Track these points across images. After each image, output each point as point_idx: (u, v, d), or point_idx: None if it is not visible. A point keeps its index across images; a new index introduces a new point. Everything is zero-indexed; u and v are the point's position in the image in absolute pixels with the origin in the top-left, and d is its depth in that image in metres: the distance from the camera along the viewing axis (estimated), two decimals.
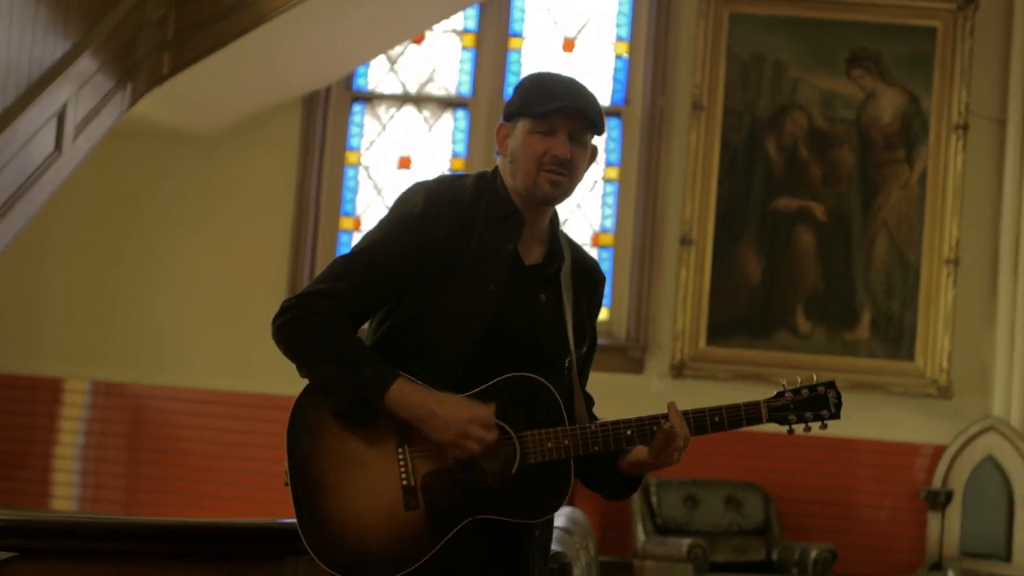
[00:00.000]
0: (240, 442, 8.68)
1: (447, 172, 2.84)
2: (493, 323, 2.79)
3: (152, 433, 8.87)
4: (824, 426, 2.95)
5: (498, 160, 2.96)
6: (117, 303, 8.92)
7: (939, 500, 8.19)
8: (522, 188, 2.85)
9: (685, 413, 2.83)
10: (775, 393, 2.94)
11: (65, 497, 8.97)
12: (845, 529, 8.38)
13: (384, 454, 2.73)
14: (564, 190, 2.85)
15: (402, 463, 2.72)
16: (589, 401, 2.98)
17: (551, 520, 2.91)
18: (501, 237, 2.83)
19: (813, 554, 7.75)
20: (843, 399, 8.81)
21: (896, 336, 8.50)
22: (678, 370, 8.46)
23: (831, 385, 2.98)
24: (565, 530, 4.75)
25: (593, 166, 8.76)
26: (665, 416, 2.81)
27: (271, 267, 8.83)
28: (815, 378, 2.99)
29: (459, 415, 2.69)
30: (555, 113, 2.82)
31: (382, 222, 2.85)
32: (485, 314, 2.78)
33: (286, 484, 2.78)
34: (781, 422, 2.92)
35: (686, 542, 7.58)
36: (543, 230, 2.93)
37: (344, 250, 8.86)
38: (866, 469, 8.50)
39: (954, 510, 8.20)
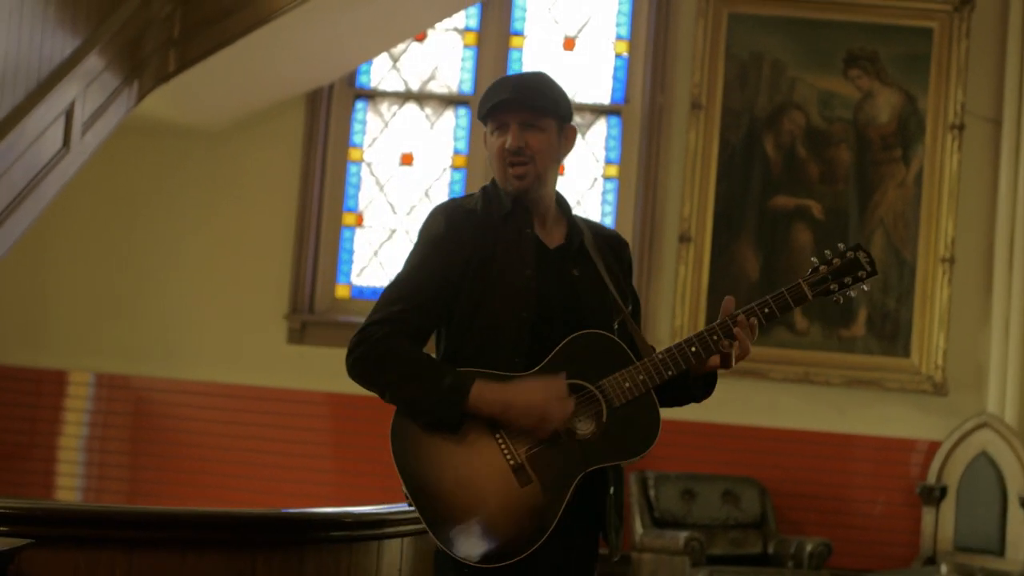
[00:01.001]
0: (242, 434, 8.76)
1: (456, 196, 3.15)
2: (539, 304, 2.98)
3: (155, 425, 8.94)
4: (866, 288, 3.11)
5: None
6: (121, 296, 8.99)
7: (933, 495, 8.26)
8: (502, 183, 3.09)
9: (735, 313, 3.02)
10: (810, 270, 3.09)
11: (69, 488, 9.04)
12: (840, 523, 8.45)
13: (484, 444, 2.91)
14: (529, 178, 3.05)
15: (503, 446, 2.91)
16: (652, 349, 3.11)
17: (622, 477, 3.08)
18: (518, 227, 3.05)
19: (809, 547, 7.84)
20: (839, 395, 8.87)
21: (892, 333, 8.58)
22: None
23: (859, 247, 3.12)
24: None
25: (593, 163, 8.74)
26: (723, 324, 3.01)
27: (274, 262, 8.91)
28: (841, 246, 3.13)
29: (534, 398, 2.88)
30: (495, 111, 3.06)
31: (415, 249, 3.07)
32: (530, 298, 2.98)
33: (409, 505, 2.94)
34: (825, 294, 3.09)
35: (683, 535, 7.66)
36: (554, 214, 3.13)
37: (346, 244, 8.97)
38: (862, 464, 8.57)
39: (948, 505, 8.27)
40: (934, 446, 8.40)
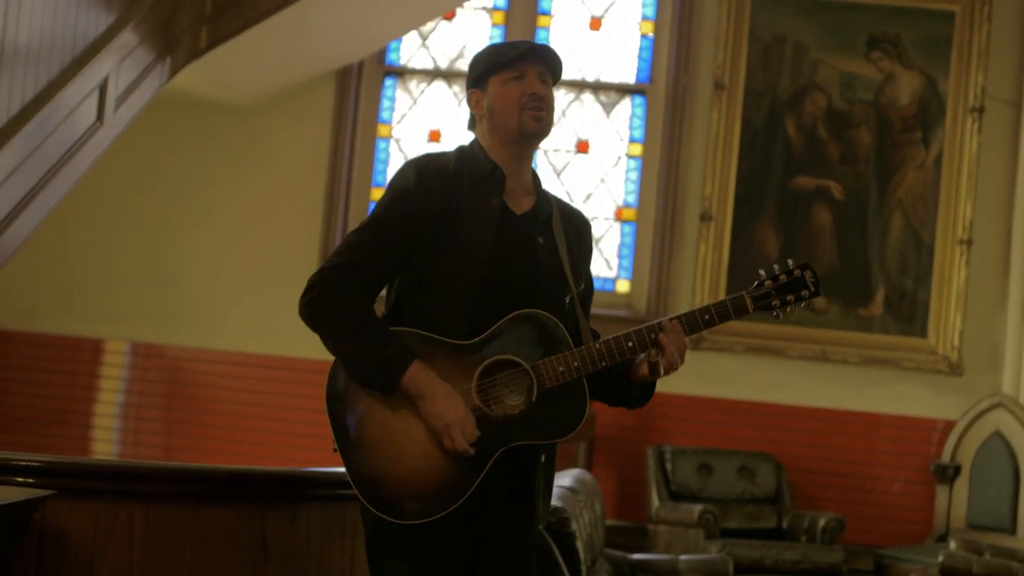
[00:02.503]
0: (273, 403, 8.90)
1: (431, 152, 3.13)
2: (495, 270, 3.05)
3: (188, 394, 9.13)
4: (808, 306, 3.15)
5: (472, 136, 3.24)
6: (156, 268, 9.16)
7: (947, 474, 8.34)
8: (510, 132, 3.13)
9: (678, 317, 3.09)
10: (755, 283, 3.14)
11: (104, 453, 9.21)
12: (855, 500, 8.56)
13: (415, 405, 2.99)
14: (546, 124, 3.14)
15: None
16: (595, 335, 3.19)
17: (555, 448, 3.16)
18: (487, 193, 3.11)
19: (822, 522, 7.93)
20: (856, 374, 8.94)
21: (909, 313, 8.66)
22: (695, 342, 8.56)
23: (806, 266, 3.15)
24: (570, 489, 5.01)
25: (617, 142, 8.87)
26: (659, 324, 3.06)
27: (304, 236, 9.04)
28: (790, 262, 3.17)
29: (448, 413, 2.95)
30: (522, 57, 3.13)
31: (383, 198, 3.14)
32: (482, 264, 3.04)
33: (335, 451, 3.02)
34: (766, 309, 3.12)
35: (698, 508, 7.78)
36: (527, 183, 3.20)
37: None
38: (877, 442, 8.66)
39: (962, 483, 8.35)
40: (949, 425, 8.49)
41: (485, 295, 3.04)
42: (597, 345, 3.05)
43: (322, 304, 3.05)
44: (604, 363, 3.05)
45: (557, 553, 4.17)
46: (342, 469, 3.02)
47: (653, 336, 3.06)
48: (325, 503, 3.59)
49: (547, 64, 3.16)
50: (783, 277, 3.13)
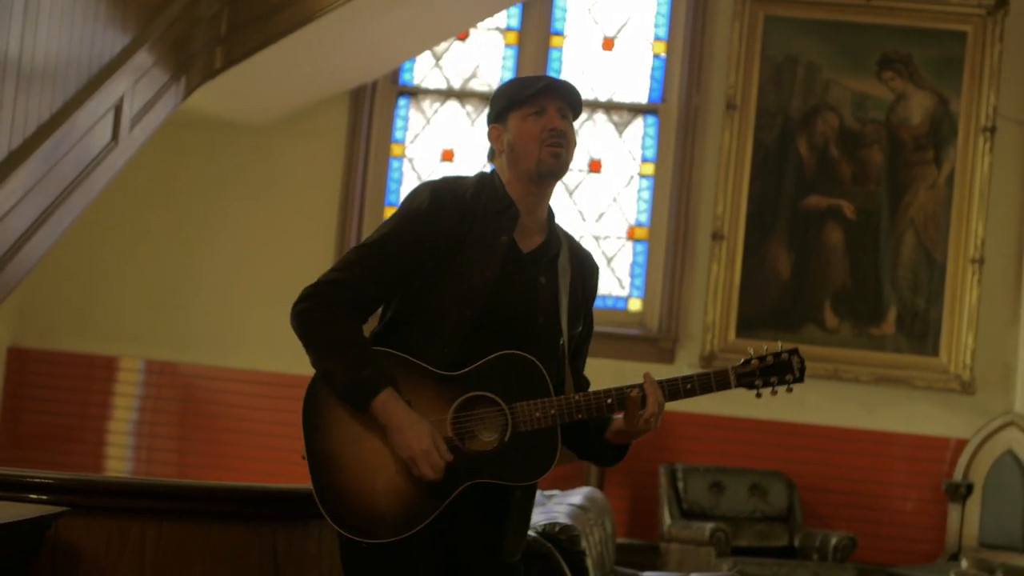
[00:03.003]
0: (284, 420, 8.89)
1: (451, 174, 3.09)
2: (491, 306, 3.07)
3: (202, 412, 9.16)
4: (789, 390, 3.18)
5: (490, 166, 3.26)
6: (170, 286, 9.21)
7: (959, 492, 8.34)
8: (528, 169, 3.14)
9: (660, 382, 3.10)
10: (742, 361, 3.17)
11: (118, 471, 9.24)
12: (866, 518, 8.56)
13: None
14: (564, 161, 3.16)
15: None
16: (584, 383, 3.24)
17: (534, 486, 3.17)
18: (498, 229, 3.12)
19: (833, 541, 7.93)
20: (868, 392, 8.94)
21: (921, 332, 8.67)
22: (708, 361, 8.64)
23: (794, 352, 3.19)
24: (580, 507, 5.04)
25: (630, 161, 8.91)
26: (640, 385, 3.07)
27: (317, 254, 8.99)
28: (780, 346, 3.20)
29: (413, 444, 2.96)
30: (542, 93, 3.15)
31: (393, 217, 3.15)
32: (479, 299, 3.06)
33: (303, 458, 3.06)
34: (749, 387, 3.15)
35: (709, 526, 7.78)
36: (541, 221, 3.21)
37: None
38: (889, 460, 8.66)
39: (974, 502, 8.35)
40: (961, 444, 8.50)
41: (478, 329, 3.06)
42: (577, 397, 3.06)
43: (311, 316, 3.07)
44: (581, 415, 3.06)
45: (567, 571, 4.20)
46: None
47: (634, 393, 3.06)
48: None
49: (567, 100, 3.18)
50: (770, 359, 3.16)
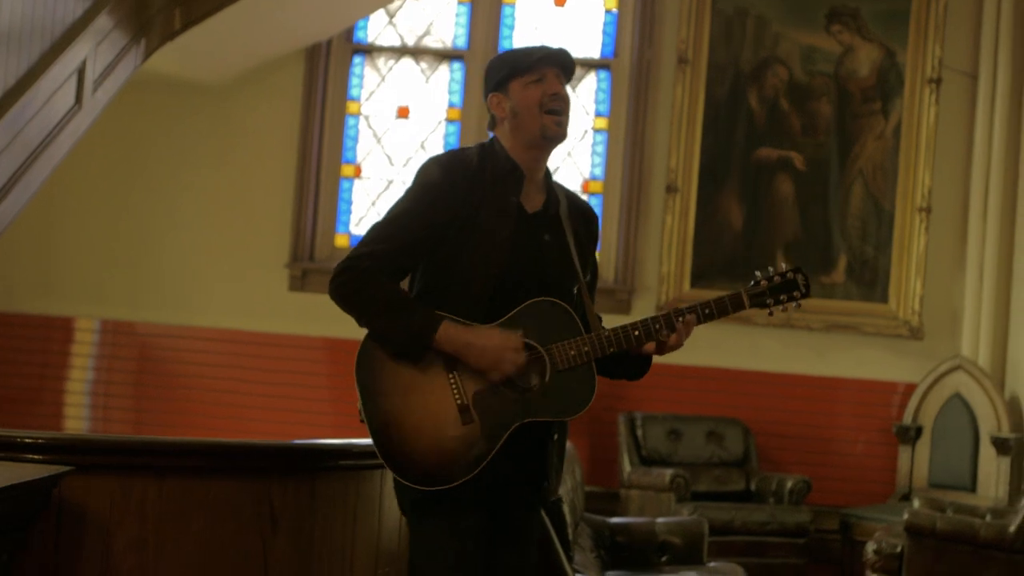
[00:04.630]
0: (245, 377, 9.01)
1: (455, 148, 3.32)
2: (508, 264, 3.26)
3: (159, 369, 9.23)
4: (798, 306, 3.41)
5: (490, 135, 3.44)
6: (127, 246, 9.25)
7: (909, 435, 8.57)
8: (532, 134, 3.34)
9: (680, 310, 3.32)
10: (752, 283, 3.40)
11: (76, 430, 9.28)
12: (820, 462, 8.76)
13: (437, 381, 3.21)
14: (565, 127, 3.36)
15: (454, 386, 3.21)
16: (599, 319, 3.44)
17: (567, 427, 3.40)
18: (506, 191, 3.33)
19: (789, 484, 8.15)
20: (819, 339, 9.12)
21: (870, 280, 8.86)
22: (663, 312, 8.75)
23: (798, 270, 3.43)
24: None
25: (583, 116, 9.00)
26: (667, 316, 3.29)
27: (275, 211, 9.16)
28: (783, 265, 3.44)
29: (493, 343, 3.18)
30: (541, 61, 3.35)
31: (407, 192, 3.34)
32: (500, 257, 3.26)
33: (361, 421, 3.23)
34: (761, 306, 3.39)
35: (669, 472, 7.96)
36: (540, 181, 3.42)
37: (345, 195, 9.19)
38: (841, 405, 8.87)
39: (923, 444, 8.58)
40: (910, 388, 8.71)
41: (501, 288, 3.25)
42: (607, 333, 3.27)
43: (350, 288, 3.24)
44: (612, 349, 3.27)
45: (545, 518, 4.35)
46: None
47: (658, 326, 3.28)
48: (328, 473, 3.75)
49: (562, 66, 3.36)
50: (777, 279, 3.39)
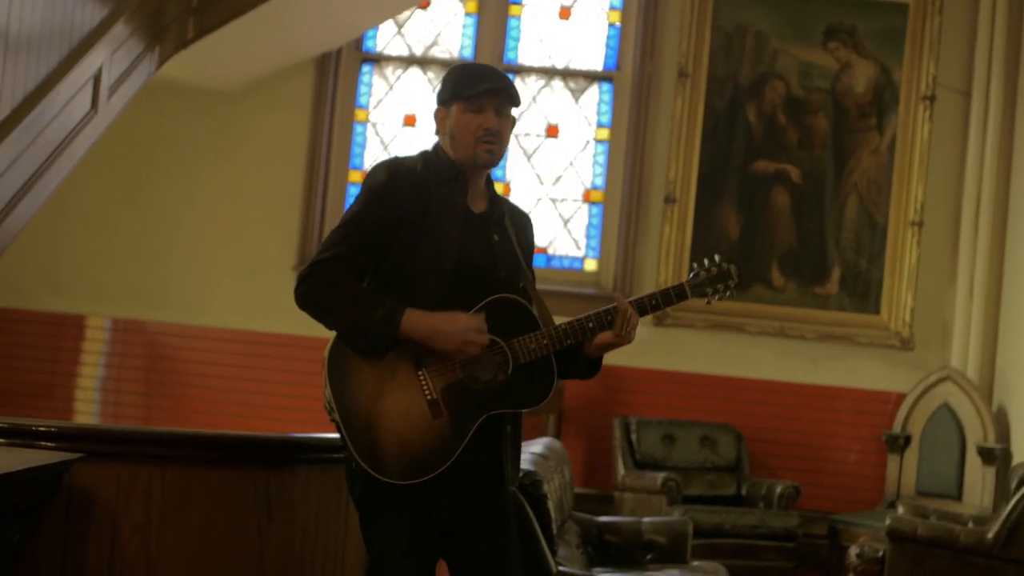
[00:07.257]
0: (250, 376, 9.17)
1: (397, 156, 3.50)
2: (460, 262, 3.44)
3: (168, 367, 9.38)
4: (731, 295, 3.63)
5: (436, 138, 3.61)
6: (138, 246, 9.41)
7: (898, 443, 8.69)
8: (463, 159, 3.51)
9: (631, 301, 3.51)
10: (691, 275, 3.61)
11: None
12: (810, 468, 8.90)
13: (407, 379, 3.37)
14: (497, 156, 3.53)
15: (423, 383, 3.37)
16: (549, 315, 3.59)
17: (520, 419, 3.55)
18: (452, 193, 3.50)
19: (779, 489, 8.28)
20: (812, 349, 9.23)
21: (863, 291, 9.01)
22: (660, 320, 8.96)
23: (731, 261, 3.65)
24: (541, 455, 5.38)
25: (585, 127, 9.16)
26: (615, 307, 3.48)
27: (283, 216, 9.33)
28: (717, 258, 3.66)
29: (458, 327, 3.35)
30: (484, 94, 3.49)
31: (359, 198, 3.50)
32: (452, 254, 3.43)
33: (333, 421, 3.38)
34: (701, 295, 3.60)
35: (661, 476, 8.09)
36: (482, 187, 3.59)
37: (351, 202, 9.32)
38: (832, 413, 9.00)
39: (912, 453, 8.69)
40: (900, 397, 8.84)
41: (454, 286, 3.42)
42: (563, 326, 3.45)
43: (314, 290, 3.40)
44: (569, 341, 3.45)
45: (531, 513, 4.55)
46: (337, 435, 3.37)
47: (610, 318, 3.46)
48: (323, 465, 3.96)
49: (508, 97, 3.51)
50: (714, 269, 3.60)
